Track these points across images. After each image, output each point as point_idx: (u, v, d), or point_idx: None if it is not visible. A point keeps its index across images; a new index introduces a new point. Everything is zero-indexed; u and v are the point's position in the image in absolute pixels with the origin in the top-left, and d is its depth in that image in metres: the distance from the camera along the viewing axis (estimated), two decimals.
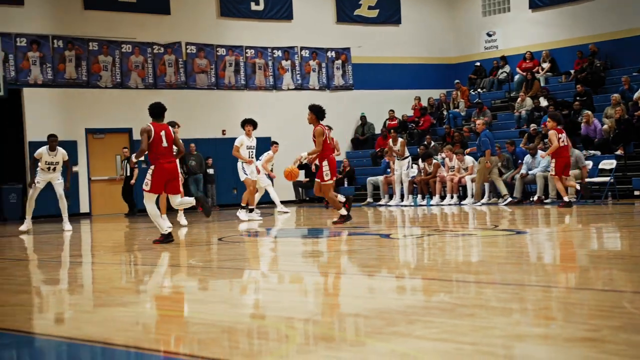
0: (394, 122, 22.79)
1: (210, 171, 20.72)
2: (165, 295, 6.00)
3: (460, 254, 7.86)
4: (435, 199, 17.79)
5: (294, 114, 22.24)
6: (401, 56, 24.38)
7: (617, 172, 15.87)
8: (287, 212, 16.27)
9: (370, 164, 21.89)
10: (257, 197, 15.06)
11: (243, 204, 14.59)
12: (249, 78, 22.20)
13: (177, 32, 21.17)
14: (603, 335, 3.71)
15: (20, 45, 19.24)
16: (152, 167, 9.45)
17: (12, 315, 5.24)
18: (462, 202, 17.19)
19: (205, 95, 21.55)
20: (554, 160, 14.17)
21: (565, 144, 14.18)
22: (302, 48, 23.01)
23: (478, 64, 23.98)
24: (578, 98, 19.17)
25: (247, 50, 22.17)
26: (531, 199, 16.15)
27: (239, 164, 14.34)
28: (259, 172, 14.91)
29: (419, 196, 18.27)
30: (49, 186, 13.44)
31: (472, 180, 17.08)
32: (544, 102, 20.09)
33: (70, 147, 19.07)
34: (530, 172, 16.39)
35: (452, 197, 17.50)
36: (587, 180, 15.50)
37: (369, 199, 19.37)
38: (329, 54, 23.37)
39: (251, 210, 14.60)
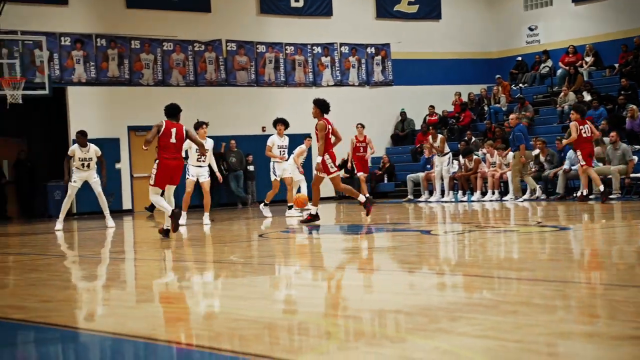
0: (434, 118, 22.64)
1: (251, 168, 20.82)
2: (207, 292, 6.04)
3: (502, 251, 7.78)
4: (476, 195, 17.65)
5: (334, 110, 22.10)
6: (441, 51, 24.21)
7: None
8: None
9: (410, 160, 21.79)
10: (293, 192, 15.07)
11: (267, 201, 14.74)
12: (289, 75, 22.24)
13: (217, 29, 21.30)
14: None
15: (65, 44, 19.53)
16: (157, 162, 9.97)
17: (58, 310, 5.32)
18: (503, 198, 17.02)
19: (245, 92, 21.65)
20: (579, 152, 14.45)
21: (588, 135, 14.50)
22: (341, 44, 22.99)
23: (520, 58, 23.70)
24: (623, 92, 18.84)
25: (286, 47, 22.22)
26: (574, 195, 15.93)
27: (271, 164, 14.51)
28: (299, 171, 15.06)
29: (460, 192, 18.14)
30: (89, 184, 13.53)
31: None
32: (587, 97, 19.78)
33: (113, 144, 19.31)
34: (573, 168, 16.16)
35: (493, 193, 17.34)
36: (632, 175, 15.25)
37: (410, 196, 19.28)
38: (368, 49, 23.31)
39: (266, 205, 14.73)
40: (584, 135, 14.36)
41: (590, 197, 14.76)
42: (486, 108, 22.42)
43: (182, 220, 13.28)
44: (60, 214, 13.62)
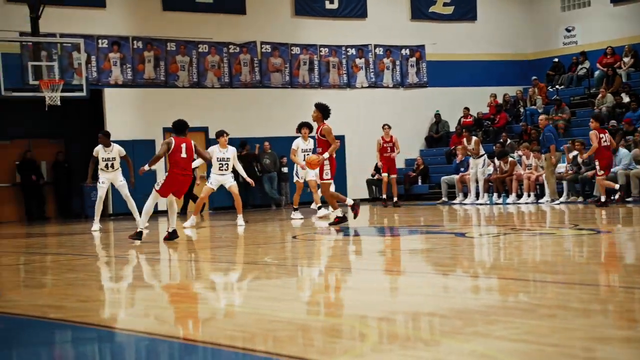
0: (468, 120, 22.49)
1: (285, 169, 20.85)
2: (241, 293, 6.06)
3: (537, 254, 7.70)
4: (512, 197, 17.50)
5: (368, 112, 22.19)
6: (476, 52, 24.03)
7: None
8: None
9: (444, 162, 21.67)
10: (318, 195, 15.04)
11: (295, 206, 14.79)
12: (323, 76, 22.25)
13: (252, 31, 21.38)
14: None
15: (102, 46, 19.76)
16: (167, 174, 10.43)
17: (95, 310, 5.38)
18: (539, 201, 16.85)
19: (279, 94, 21.70)
20: (597, 162, 14.41)
21: (608, 144, 14.44)
22: (376, 46, 22.93)
23: (556, 60, 23.44)
24: None
25: (321, 49, 22.23)
26: (612, 198, 15.70)
27: (295, 166, 14.57)
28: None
29: (495, 195, 18.00)
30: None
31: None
32: (626, 98, 19.50)
33: (148, 145, 19.47)
34: (612, 170, 15.93)
35: (529, 196, 17.17)
36: None
37: (444, 198, 19.18)
38: (403, 51, 23.22)
39: (296, 210, 14.77)
40: (603, 144, 14.32)
41: (611, 199, 14.64)
42: (522, 110, 22.21)
43: (190, 222, 13.40)
44: (95, 215, 13.77)
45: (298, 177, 14.77)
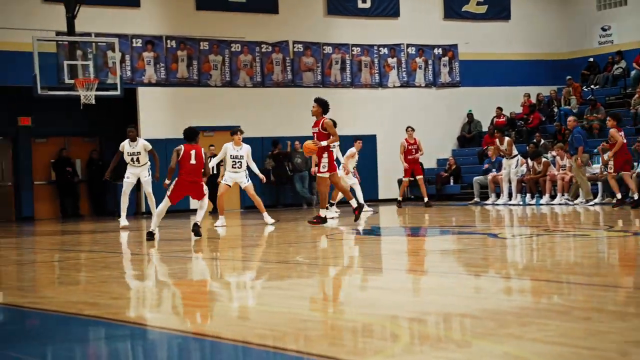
0: (501, 120, 22.31)
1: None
2: (273, 292, 6.07)
3: (571, 255, 7.61)
4: (545, 198, 17.32)
5: (400, 111, 22.11)
6: (510, 52, 23.83)
7: None
8: (371, 211, 16.24)
9: (477, 162, 21.51)
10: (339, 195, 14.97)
11: (332, 201, 14.76)
12: (355, 76, 22.22)
13: (284, 31, 21.42)
14: None
15: (136, 45, 19.94)
16: (176, 180, 10.58)
17: (127, 307, 5.43)
18: (573, 202, 16.65)
19: (311, 93, 21.55)
20: (612, 160, 14.46)
21: (624, 141, 14.50)
22: (408, 45, 22.85)
23: (591, 59, 23.15)
24: None
25: (353, 48, 22.20)
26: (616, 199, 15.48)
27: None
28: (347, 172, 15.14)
29: (528, 195, 17.83)
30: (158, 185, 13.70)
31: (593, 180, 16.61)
32: None
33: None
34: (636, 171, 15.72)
35: (562, 197, 16.98)
36: None
37: (476, 198, 19.05)
38: (435, 50, 23.11)
39: (331, 205, 14.67)
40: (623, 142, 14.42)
41: (619, 197, 14.65)
42: (556, 110, 21.98)
43: (221, 222, 13.41)
44: (120, 211, 13.89)
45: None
